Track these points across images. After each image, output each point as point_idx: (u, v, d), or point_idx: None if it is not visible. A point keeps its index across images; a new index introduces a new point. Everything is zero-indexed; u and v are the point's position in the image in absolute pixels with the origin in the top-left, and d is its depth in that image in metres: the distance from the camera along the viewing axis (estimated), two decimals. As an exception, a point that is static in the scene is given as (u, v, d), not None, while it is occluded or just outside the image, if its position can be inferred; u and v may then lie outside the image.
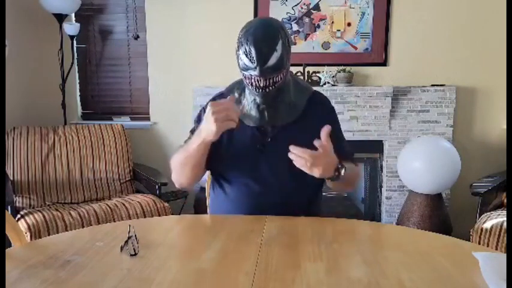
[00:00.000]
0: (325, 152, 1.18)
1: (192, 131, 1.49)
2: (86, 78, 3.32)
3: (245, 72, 1.29)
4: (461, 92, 3.03)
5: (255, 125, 1.36)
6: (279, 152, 1.36)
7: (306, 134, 1.38)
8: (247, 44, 1.24)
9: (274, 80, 1.27)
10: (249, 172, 1.37)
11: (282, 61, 1.27)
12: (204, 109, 1.48)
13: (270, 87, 1.28)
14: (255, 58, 1.24)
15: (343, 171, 1.25)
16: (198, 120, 1.50)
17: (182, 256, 1.05)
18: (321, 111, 1.42)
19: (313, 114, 1.39)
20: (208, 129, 1.19)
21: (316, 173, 1.19)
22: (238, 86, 1.43)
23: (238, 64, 1.30)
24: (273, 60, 1.25)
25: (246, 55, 1.25)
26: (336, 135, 1.43)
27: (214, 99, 1.48)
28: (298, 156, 1.17)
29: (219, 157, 1.40)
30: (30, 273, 0.93)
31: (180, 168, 1.36)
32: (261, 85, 1.27)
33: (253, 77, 1.27)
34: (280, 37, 1.26)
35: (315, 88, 1.51)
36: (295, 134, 1.33)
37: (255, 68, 1.25)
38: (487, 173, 2.84)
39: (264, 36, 1.25)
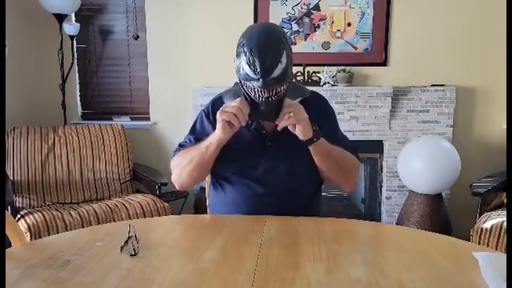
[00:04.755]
0: (296, 104, 1.28)
1: (191, 132, 1.49)
2: (86, 78, 3.32)
3: (247, 82, 1.24)
4: (461, 92, 3.03)
5: (255, 128, 1.37)
6: (279, 154, 1.36)
7: None
8: (250, 54, 1.19)
9: (277, 90, 1.24)
10: (249, 174, 1.37)
11: (286, 72, 1.22)
12: (204, 111, 1.48)
13: (273, 97, 1.24)
14: (259, 70, 1.18)
15: (316, 129, 1.29)
16: (195, 123, 1.50)
17: (182, 256, 1.05)
18: (318, 113, 1.41)
19: (311, 116, 1.39)
20: (217, 129, 1.28)
21: (301, 121, 1.25)
22: (236, 90, 1.41)
23: (239, 73, 1.25)
24: (277, 72, 1.20)
25: (249, 66, 1.19)
26: (334, 136, 1.43)
27: (213, 102, 1.48)
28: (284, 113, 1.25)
29: (219, 158, 1.39)
30: (30, 273, 0.93)
31: (187, 167, 1.37)
32: (264, 96, 1.23)
33: (255, 88, 1.23)
34: (284, 48, 1.21)
35: (315, 88, 1.51)
36: (294, 135, 1.33)
37: (258, 79, 1.20)
38: (487, 173, 2.83)
39: (268, 47, 1.20)
